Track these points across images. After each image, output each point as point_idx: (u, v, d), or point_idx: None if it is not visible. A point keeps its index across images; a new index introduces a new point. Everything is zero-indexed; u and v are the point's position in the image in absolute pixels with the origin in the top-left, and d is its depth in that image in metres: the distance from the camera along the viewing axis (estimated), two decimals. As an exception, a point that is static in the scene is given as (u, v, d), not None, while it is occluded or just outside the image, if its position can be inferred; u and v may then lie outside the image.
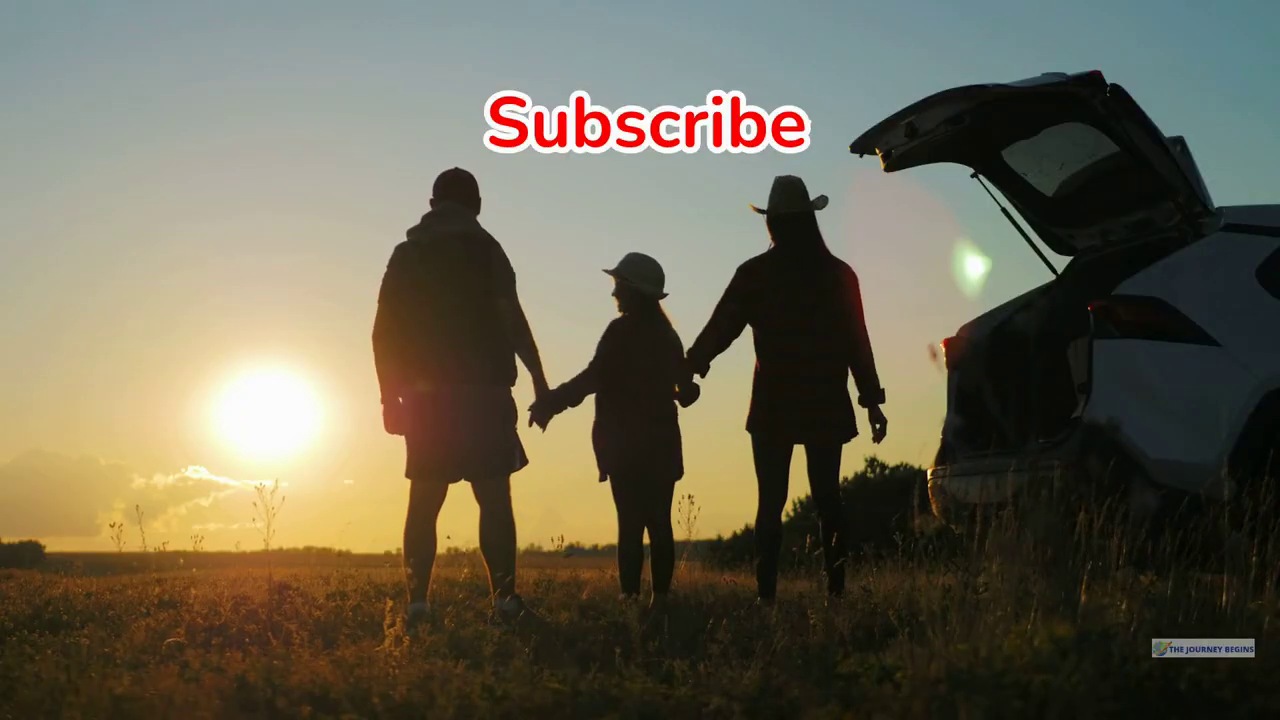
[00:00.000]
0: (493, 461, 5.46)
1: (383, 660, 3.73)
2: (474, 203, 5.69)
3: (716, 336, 6.04)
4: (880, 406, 5.93)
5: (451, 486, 5.59)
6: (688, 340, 6.16)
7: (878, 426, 5.95)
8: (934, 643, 2.97)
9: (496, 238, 5.59)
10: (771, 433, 5.86)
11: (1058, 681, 2.65)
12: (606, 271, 6.15)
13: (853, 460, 25.72)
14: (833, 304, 5.88)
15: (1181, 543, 3.93)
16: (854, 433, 5.91)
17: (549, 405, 5.77)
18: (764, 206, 5.97)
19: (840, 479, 6.09)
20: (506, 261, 5.53)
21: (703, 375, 6.13)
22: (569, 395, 6.00)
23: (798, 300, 5.84)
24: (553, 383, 5.78)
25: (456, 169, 5.73)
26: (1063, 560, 3.65)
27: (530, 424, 5.74)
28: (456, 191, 5.67)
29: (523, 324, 5.53)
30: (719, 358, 6.11)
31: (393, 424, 5.56)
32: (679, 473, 6.18)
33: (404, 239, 5.64)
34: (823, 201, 5.98)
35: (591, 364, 6.10)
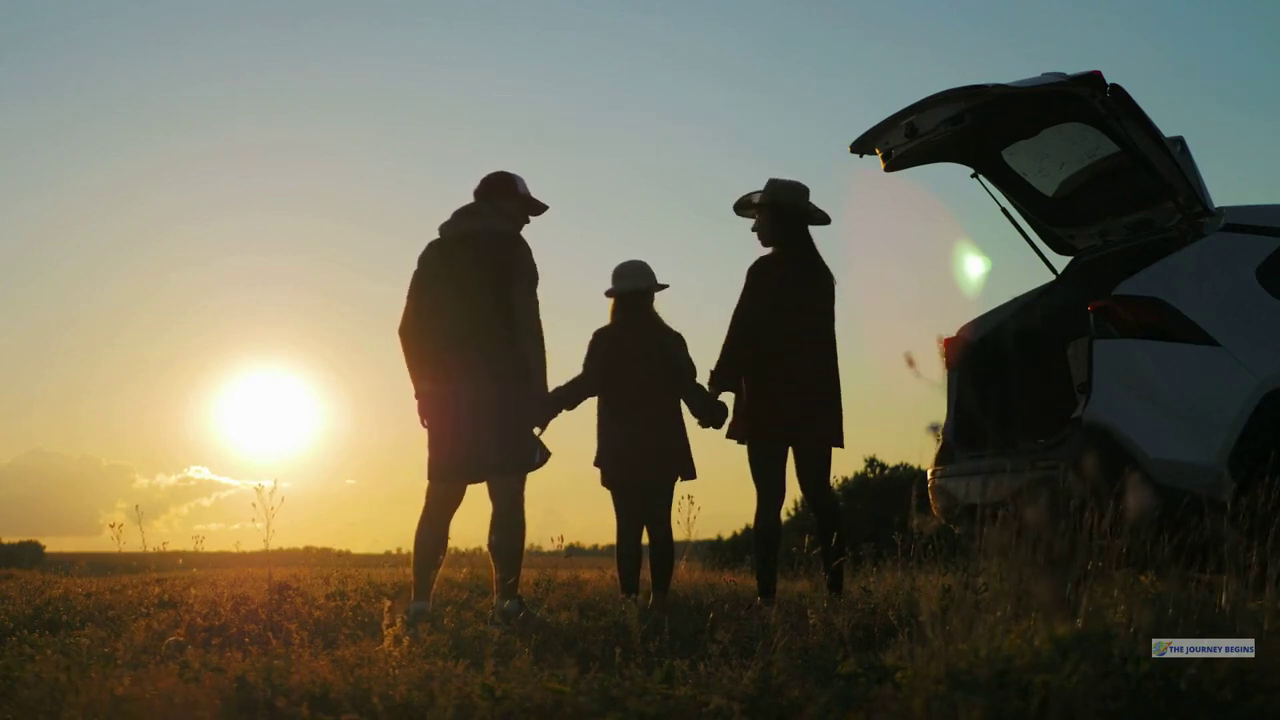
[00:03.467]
0: (512, 459, 5.44)
1: (383, 660, 3.73)
2: (508, 201, 5.62)
3: (749, 342, 5.88)
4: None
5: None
6: (690, 338, 6.18)
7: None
8: (934, 643, 2.96)
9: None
10: (766, 434, 5.86)
11: (1058, 681, 2.64)
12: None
13: (853, 460, 25.72)
14: (824, 306, 5.91)
15: (1181, 543, 3.93)
16: (841, 441, 5.92)
17: (546, 407, 5.77)
18: (759, 202, 6.01)
19: (838, 479, 6.10)
20: (529, 259, 5.47)
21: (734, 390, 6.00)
22: (564, 399, 6.03)
23: (796, 301, 5.86)
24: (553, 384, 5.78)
25: (497, 171, 5.71)
26: (1062, 560, 3.65)
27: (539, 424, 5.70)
28: (489, 190, 5.67)
29: (534, 321, 5.45)
30: (715, 358, 6.11)
31: (425, 416, 5.56)
32: (685, 474, 6.17)
33: (435, 235, 5.65)
34: (823, 215, 6.03)
35: (583, 372, 6.16)
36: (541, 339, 5.47)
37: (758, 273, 5.92)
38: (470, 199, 5.71)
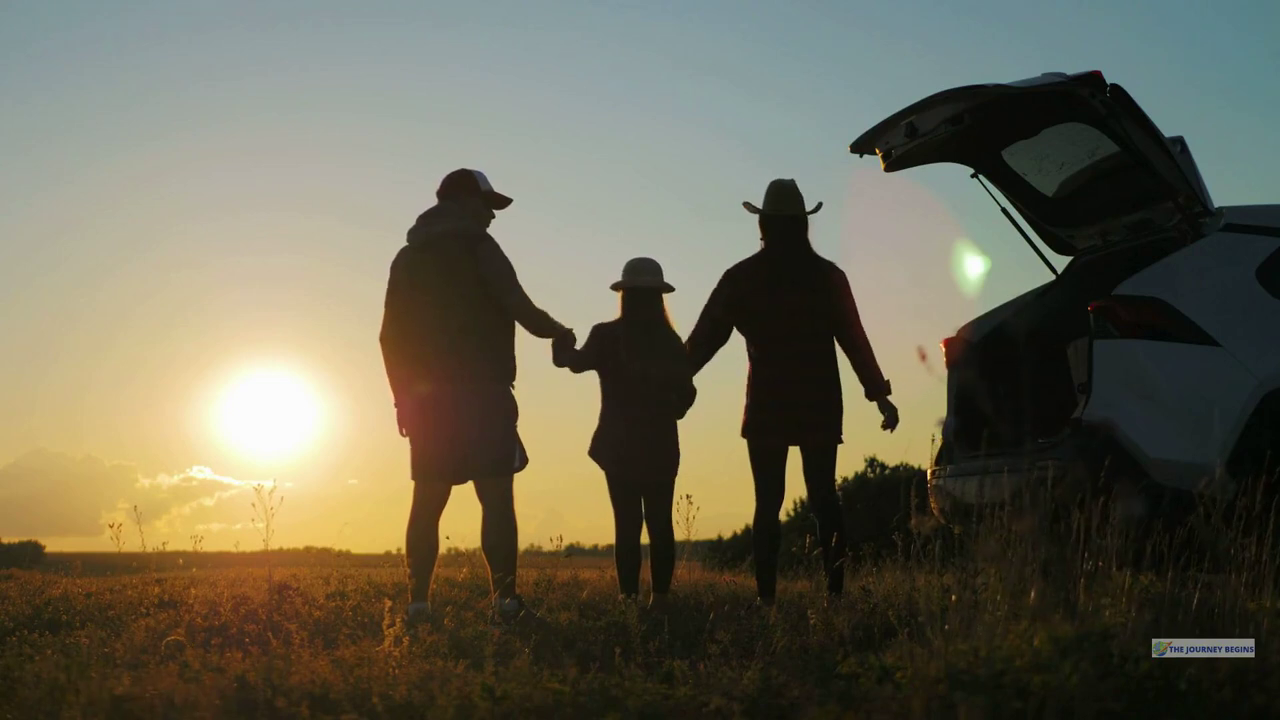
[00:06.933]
0: (494, 461, 5.46)
1: (383, 660, 3.73)
2: (470, 200, 5.61)
3: (705, 345, 6.08)
4: (889, 397, 5.94)
5: (455, 487, 5.59)
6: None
7: (887, 415, 5.95)
8: (934, 643, 2.97)
9: (498, 236, 5.58)
10: (764, 435, 5.86)
11: (1057, 681, 2.65)
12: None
13: (853, 460, 25.73)
14: (820, 306, 5.88)
15: (1180, 542, 3.93)
16: (841, 438, 5.91)
17: (570, 344, 5.87)
18: (759, 206, 5.99)
19: (837, 479, 6.08)
20: (499, 254, 5.48)
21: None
22: (577, 357, 6.03)
23: (785, 302, 5.84)
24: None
25: (457, 169, 5.71)
26: (1060, 561, 3.65)
27: (556, 364, 5.87)
28: (450, 190, 5.66)
29: (535, 312, 5.55)
30: (718, 357, 6.12)
31: (404, 425, 5.57)
32: (673, 471, 6.15)
33: (404, 242, 5.65)
34: (816, 206, 6.00)
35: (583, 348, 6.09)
36: (543, 313, 5.60)
37: (728, 280, 5.98)
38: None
